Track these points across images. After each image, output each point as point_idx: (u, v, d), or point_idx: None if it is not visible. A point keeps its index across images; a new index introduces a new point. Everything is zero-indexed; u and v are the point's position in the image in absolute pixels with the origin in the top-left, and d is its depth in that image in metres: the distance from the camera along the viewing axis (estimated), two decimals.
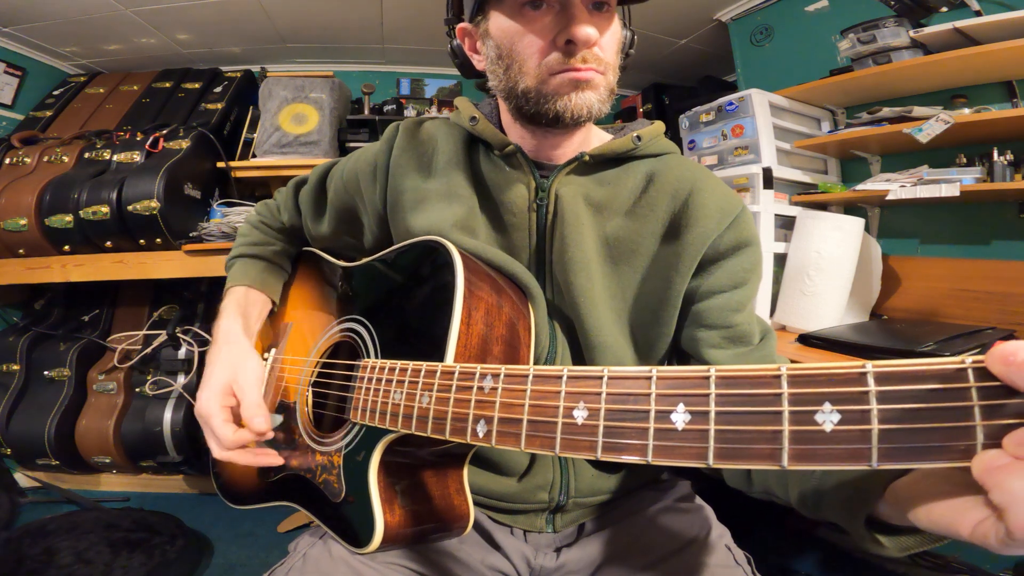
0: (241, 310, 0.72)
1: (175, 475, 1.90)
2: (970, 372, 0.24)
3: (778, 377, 0.28)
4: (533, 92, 0.57)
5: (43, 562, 1.33)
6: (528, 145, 0.64)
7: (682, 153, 0.87)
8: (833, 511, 0.44)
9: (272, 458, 0.63)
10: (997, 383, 0.24)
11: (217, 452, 0.61)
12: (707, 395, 0.30)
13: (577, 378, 0.35)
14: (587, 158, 0.62)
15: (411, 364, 0.48)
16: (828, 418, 0.26)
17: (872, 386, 0.26)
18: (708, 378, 0.30)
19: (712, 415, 0.29)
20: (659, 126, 0.67)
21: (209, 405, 0.62)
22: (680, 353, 0.67)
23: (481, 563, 0.65)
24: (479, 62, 0.64)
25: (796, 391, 0.27)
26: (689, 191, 0.62)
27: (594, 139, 0.68)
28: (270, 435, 0.62)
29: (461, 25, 0.65)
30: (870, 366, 0.26)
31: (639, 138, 0.64)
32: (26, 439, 1.71)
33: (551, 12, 0.55)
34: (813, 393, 0.27)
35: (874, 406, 0.25)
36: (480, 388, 0.41)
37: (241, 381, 0.63)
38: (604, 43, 0.57)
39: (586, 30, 0.53)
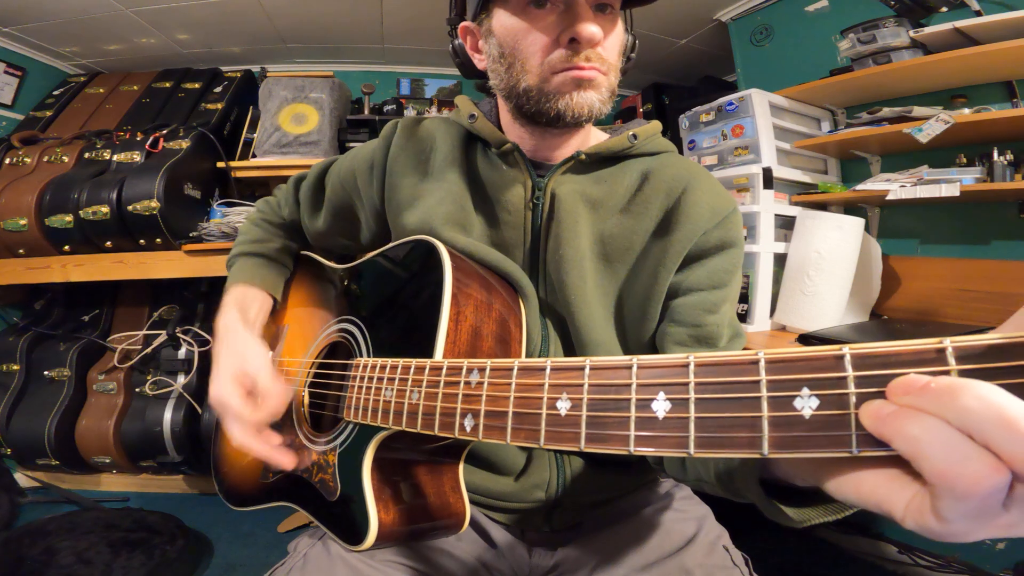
0: (240, 305, 0.71)
1: (175, 475, 1.90)
2: (949, 353, 0.23)
3: (756, 363, 0.27)
4: (535, 90, 0.57)
5: (43, 562, 1.33)
6: (526, 144, 0.65)
7: (682, 153, 0.87)
8: (743, 482, 0.42)
9: (287, 456, 0.60)
10: (978, 366, 0.23)
11: (238, 438, 0.59)
12: (687, 383, 0.29)
13: (560, 369, 0.35)
14: (583, 156, 0.63)
15: (401, 361, 0.49)
16: (807, 403, 0.26)
17: (850, 371, 0.25)
18: (687, 366, 0.29)
19: (692, 403, 0.29)
20: (655, 125, 0.68)
21: (223, 389, 0.60)
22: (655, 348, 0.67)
23: (478, 561, 0.65)
24: (480, 61, 0.65)
25: (774, 377, 0.27)
26: (683, 189, 0.63)
27: (591, 139, 0.68)
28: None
29: (464, 24, 0.65)
30: (847, 349, 0.25)
31: (635, 136, 0.65)
32: (26, 439, 1.71)
33: (555, 11, 0.55)
34: (791, 379, 0.26)
35: (852, 390, 0.25)
36: (467, 383, 0.41)
37: (250, 367, 0.62)
38: (607, 43, 0.57)
39: (590, 28, 0.53)
